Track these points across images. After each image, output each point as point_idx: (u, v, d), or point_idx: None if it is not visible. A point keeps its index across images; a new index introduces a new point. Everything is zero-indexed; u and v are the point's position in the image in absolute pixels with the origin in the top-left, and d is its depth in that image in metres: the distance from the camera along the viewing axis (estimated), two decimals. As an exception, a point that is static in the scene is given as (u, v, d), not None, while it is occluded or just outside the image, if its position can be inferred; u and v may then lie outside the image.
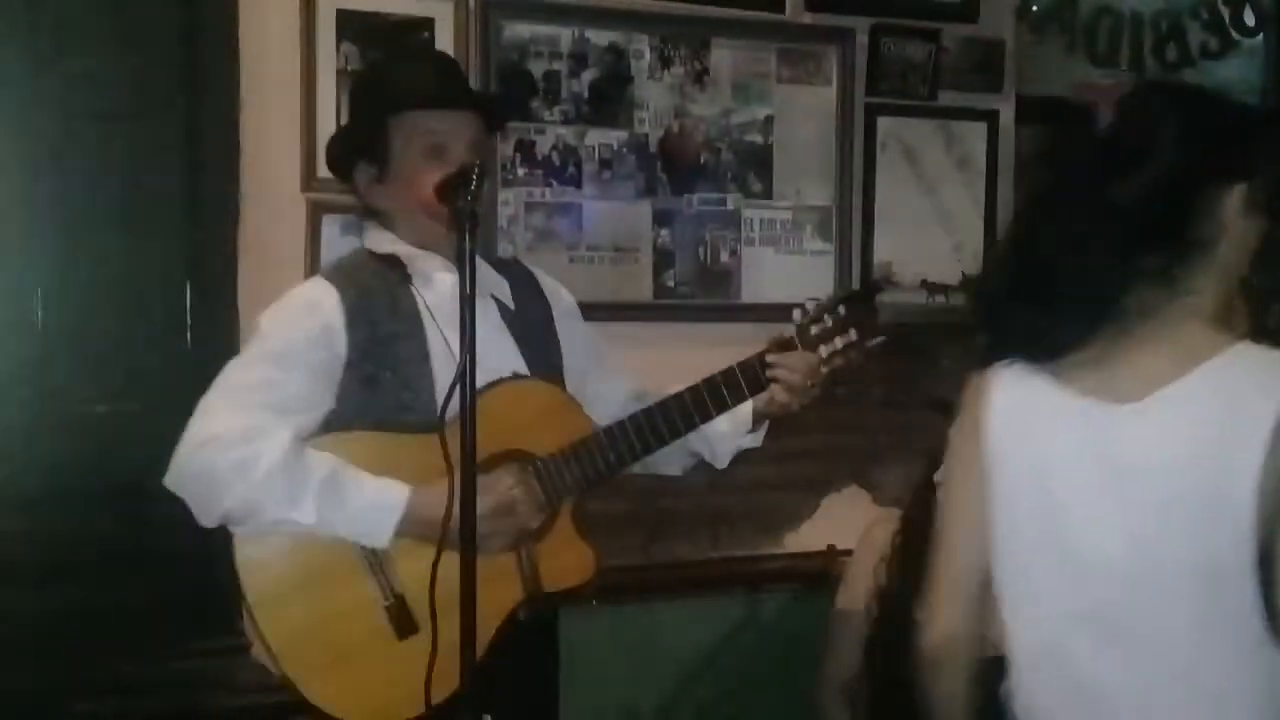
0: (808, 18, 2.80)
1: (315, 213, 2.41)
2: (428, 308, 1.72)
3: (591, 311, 2.60)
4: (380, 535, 1.60)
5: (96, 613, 2.28)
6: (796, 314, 1.83)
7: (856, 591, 2.15)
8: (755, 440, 1.93)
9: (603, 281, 2.66)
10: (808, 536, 2.85)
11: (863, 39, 2.85)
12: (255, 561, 1.60)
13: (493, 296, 1.82)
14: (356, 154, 1.77)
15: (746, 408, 1.85)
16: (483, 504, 1.56)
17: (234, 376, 1.65)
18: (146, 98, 2.39)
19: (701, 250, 2.75)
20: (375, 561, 1.63)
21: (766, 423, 1.90)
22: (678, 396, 1.77)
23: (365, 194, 1.78)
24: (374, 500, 1.59)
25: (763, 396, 1.81)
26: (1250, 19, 3.69)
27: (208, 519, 1.60)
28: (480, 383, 1.63)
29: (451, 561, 1.57)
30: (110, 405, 2.36)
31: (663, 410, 1.76)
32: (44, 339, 2.32)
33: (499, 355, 1.74)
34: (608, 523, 2.62)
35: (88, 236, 2.34)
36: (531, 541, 1.66)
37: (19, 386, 2.31)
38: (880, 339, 1.86)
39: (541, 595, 1.70)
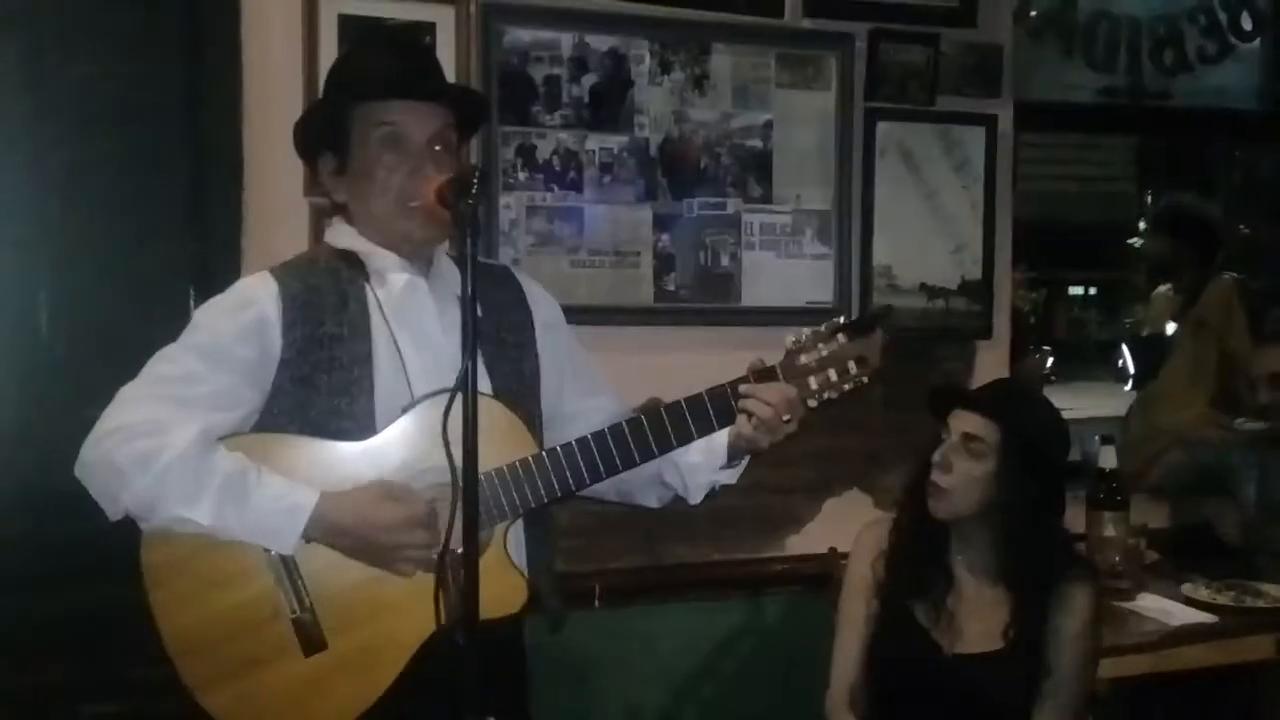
0: (807, 23, 2.82)
1: (318, 217, 2.41)
2: (380, 307, 1.65)
3: (592, 315, 2.64)
4: (285, 539, 1.52)
5: (102, 615, 2.28)
6: (789, 340, 1.70)
7: (855, 594, 2.15)
8: (731, 477, 1.80)
9: (603, 285, 2.67)
10: (809, 539, 2.85)
11: (862, 44, 2.86)
12: (161, 563, 1.54)
13: (457, 299, 1.71)
14: (319, 143, 1.71)
15: (720, 440, 1.72)
16: (392, 514, 1.53)
17: (157, 368, 1.59)
18: (150, 103, 2.40)
19: (702, 254, 2.76)
20: (288, 572, 1.55)
21: (746, 459, 1.78)
22: (636, 421, 1.64)
23: (327, 185, 1.72)
24: (279, 502, 1.51)
25: (734, 429, 1.69)
26: (1248, 23, 3.71)
27: (111, 511, 1.54)
28: (424, 389, 1.59)
29: (371, 578, 1.54)
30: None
31: (616, 435, 1.63)
32: (48, 343, 2.33)
33: (458, 363, 1.68)
34: (611, 525, 2.65)
35: (91, 240, 2.35)
36: (457, 566, 1.44)
37: (23, 389, 2.32)
38: (876, 371, 1.72)
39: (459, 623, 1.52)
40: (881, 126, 2.90)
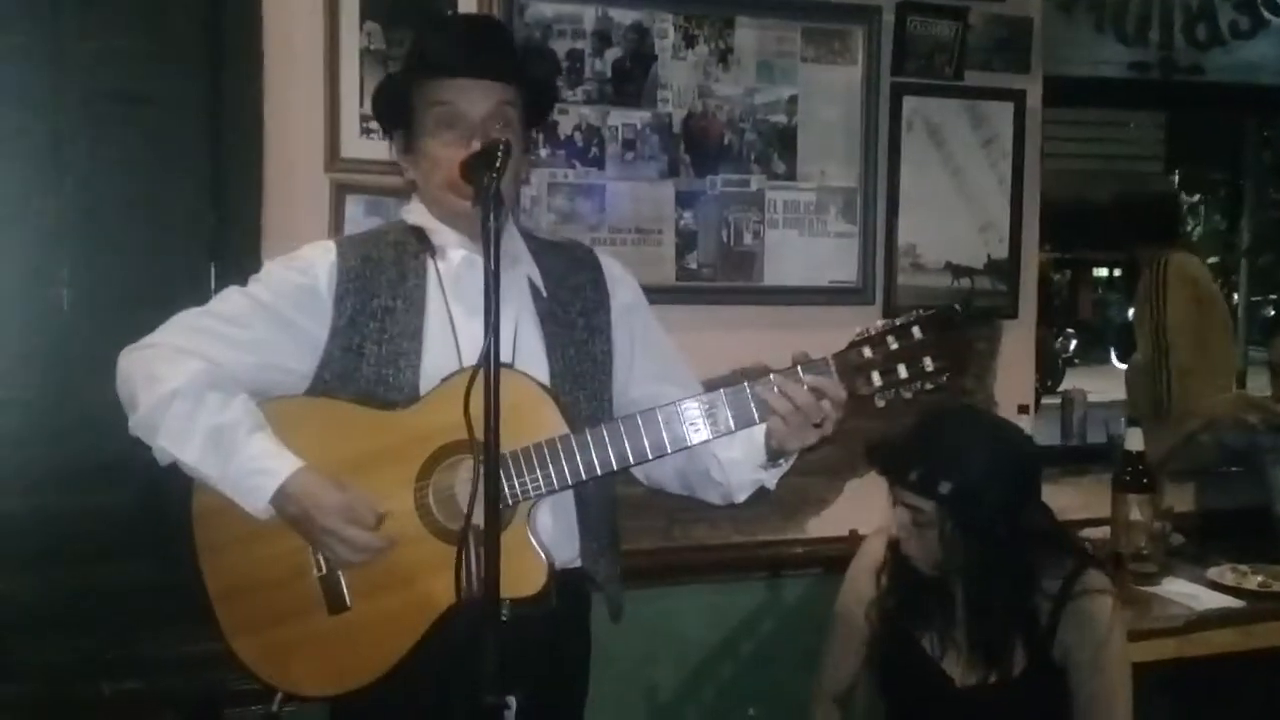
0: (833, -4, 2.78)
1: (339, 193, 2.40)
2: (440, 282, 1.68)
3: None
4: (255, 500, 1.54)
5: (121, 593, 2.29)
6: (856, 332, 1.57)
7: (854, 606, 2.09)
8: (774, 477, 1.70)
9: (625, 263, 2.61)
10: (829, 521, 2.84)
11: (889, 18, 2.81)
12: (209, 506, 1.59)
13: (527, 278, 1.75)
14: (390, 123, 1.75)
15: (759, 435, 1.62)
16: (334, 500, 1.53)
17: (213, 304, 1.67)
18: (170, 79, 2.39)
19: (724, 232, 2.73)
20: None
21: (790, 459, 1.66)
22: (669, 409, 1.57)
23: (399, 161, 1.75)
24: (256, 463, 1.53)
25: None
26: (1282, -3, 3.63)
27: (129, 422, 1.59)
28: (471, 363, 1.56)
29: (396, 545, 1.56)
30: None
31: (649, 421, 1.56)
32: (70, 319, 2.33)
33: (520, 340, 1.68)
34: (630, 506, 2.63)
35: (112, 218, 2.34)
36: (479, 540, 1.40)
37: (45, 367, 2.32)
38: (949, 374, 1.56)
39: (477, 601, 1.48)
40: (908, 102, 2.85)
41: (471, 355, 1.59)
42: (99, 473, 2.31)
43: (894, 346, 1.55)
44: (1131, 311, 4.28)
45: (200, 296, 2.36)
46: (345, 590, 1.59)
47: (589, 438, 1.57)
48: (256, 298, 1.65)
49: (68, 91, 2.31)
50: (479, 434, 1.34)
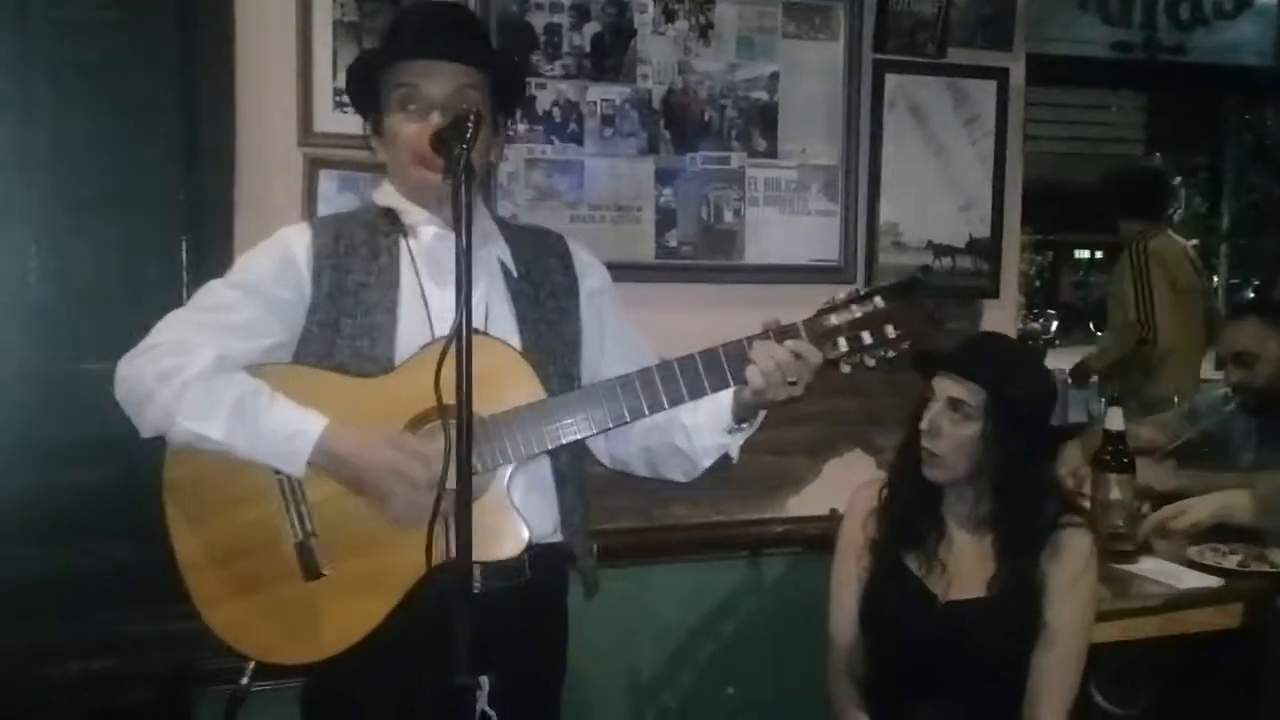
0: (815, -29, 2.75)
1: (312, 167, 2.37)
2: (412, 260, 1.71)
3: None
4: (293, 462, 1.58)
5: (91, 570, 2.27)
6: (824, 301, 1.65)
7: (849, 554, 2.14)
8: (736, 440, 1.75)
9: (603, 241, 2.61)
10: (809, 500, 2.83)
11: (871, -7, 2.79)
12: (180, 478, 1.62)
13: (498, 258, 1.79)
14: (361, 106, 1.79)
15: (724, 400, 1.68)
16: (386, 458, 1.55)
17: (198, 297, 1.70)
18: (141, 50, 2.35)
19: (705, 210, 2.71)
20: (294, 497, 1.61)
21: (757, 422, 1.74)
22: (646, 372, 1.61)
23: (371, 143, 1.79)
24: (288, 425, 1.58)
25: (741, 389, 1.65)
26: (1266, -23, 3.63)
27: (141, 427, 1.61)
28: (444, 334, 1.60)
29: (373, 510, 1.58)
30: (105, 360, 2.31)
31: (626, 385, 1.61)
32: (39, 292, 2.30)
33: (492, 317, 1.72)
34: (610, 485, 2.61)
35: (83, 190, 2.31)
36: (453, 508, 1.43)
37: (14, 343, 2.28)
38: (909, 341, 1.64)
39: (457, 564, 1.49)
40: (890, 79, 2.83)
41: (444, 328, 1.61)
42: (74, 452, 2.28)
43: (858, 314, 1.62)
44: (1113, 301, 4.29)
45: (172, 271, 2.36)
46: (319, 556, 1.60)
47: (567, 402, 1.62)
48: (240, 284, 1.68)
49: (36, 62, 2.27)
50: (452, 400, 1.37)
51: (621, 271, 2.60)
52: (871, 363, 1.65)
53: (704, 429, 1.74)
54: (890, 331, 1.62)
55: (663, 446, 1.80)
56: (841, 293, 1.65)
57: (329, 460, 1.57)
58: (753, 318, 1.69)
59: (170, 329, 1.65)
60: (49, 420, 2.27)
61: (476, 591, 1.52)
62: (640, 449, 1.85)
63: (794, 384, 1.61)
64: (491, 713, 1.67)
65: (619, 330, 1.89)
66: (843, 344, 1.63)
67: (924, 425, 2.02)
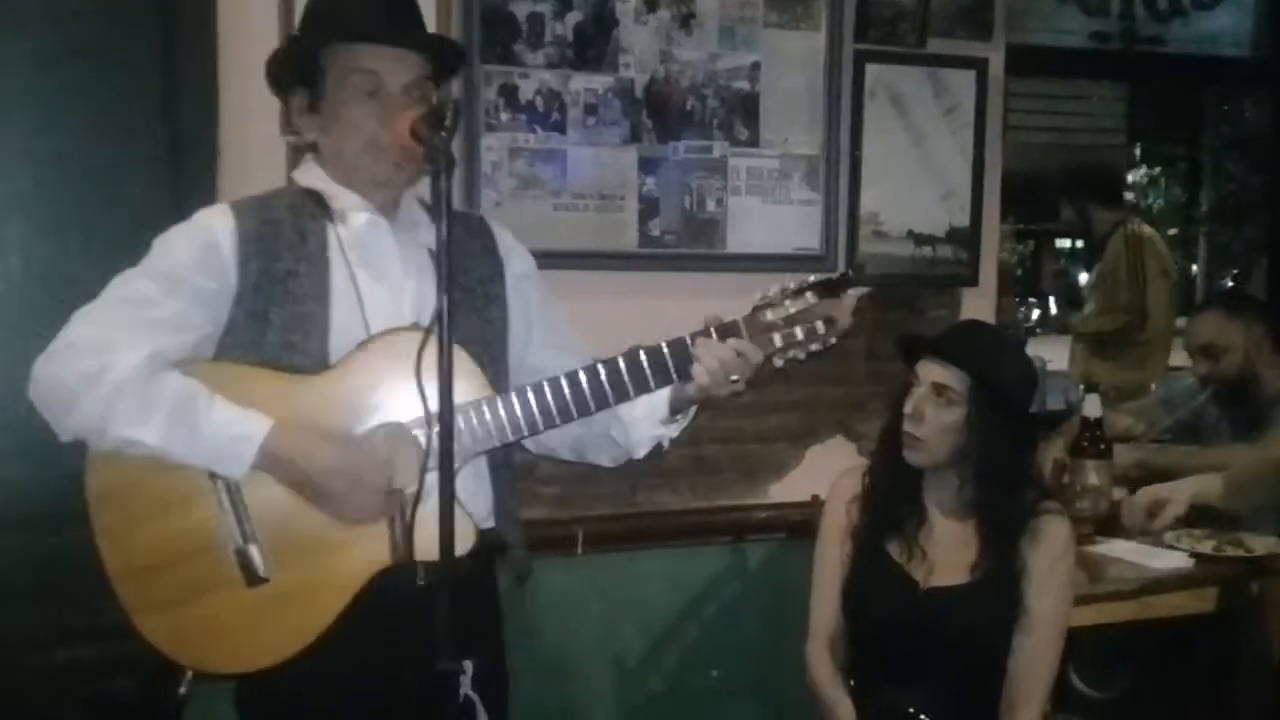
0: (796, -39, 2.76)
1: (295, 156, 2.35)
2: (340, 246, 1.64)
3: (575, 260, 2.61)
4: (235, 465, 1.51)
5: (76, 561, 2.26)
6: (757, 295, 1.68)
7: (831, 539, 2.16)
8: (672, 431, 1.79)
9: (586, 230, 2.63)
10: (792, 487, 2.85)
11: (852, -16, 2.80)
12: (106, 486, 1.54)
13: (421, 244, 1.72)
14: (294, 80, 1.68)
15: (662, 393, 1.70)
16: (335, 461, 1.51)
17: (113, 290, 1.58)
18: (125, 39, 2.34)
19: (687, 199, 2.72)
20: (234, 501, 1.54)
21: (690, 414, 1.77)
22: (593, 370, 1.62)
23: (297, 122, 1.70)
24: (230, 428, 1.50)
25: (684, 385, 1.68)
26: (1243, -32, 3.67)
27: (61, 432, 1.53)
28: (380, 328, 1.59)
29: (315, 512, 1.53)
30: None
31: (572, 382, 1.61)
32: (22, 286, 2.29)
33: (419, 304, 1.66)
34: (592, 472, 2.62)
35: (64, 179, 2.30)
36: (407, 505, 1.48)
37: (1, 332, 2.28)
38: (837, 334, 1.70)
39: (412, 564, 1.55)
40: (871, 69, 2.85)
41: (377, 321, 1.61)
42: (52, 440, 2.26)
43: (792, 310, 1.65)
44: (1084, 276, 4.37)
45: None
46: (262, 561, 1.54)
47: (515, 399, 1.60)
48: (160, 274, 1.58)
49: (17, 56, 2.26)
50: (428, 399, 1.40)
51: (604, 260, 2.66)
52: (802, 356, 1.69)
53: (640, 421, 1.76)
54: (820, 327, 1.66)
55: (595, 435, 1.80)
56: (774, 288, 1.67)
57: (273, 463, 1.51)
58: (735, 306, 1.71)
59: (86, 326, 1.53)
60: (33, 410, 2.26)
61: (420, 585, 1.52)
62: (571, 436, 1.81)
63: (736, 381, 1.65)
64: (475, 696, 1.68)
65: (545, 315, 1.87)
66: (778, 340, 1.66)
67: (907, 409, 2.04)
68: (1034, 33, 3.28)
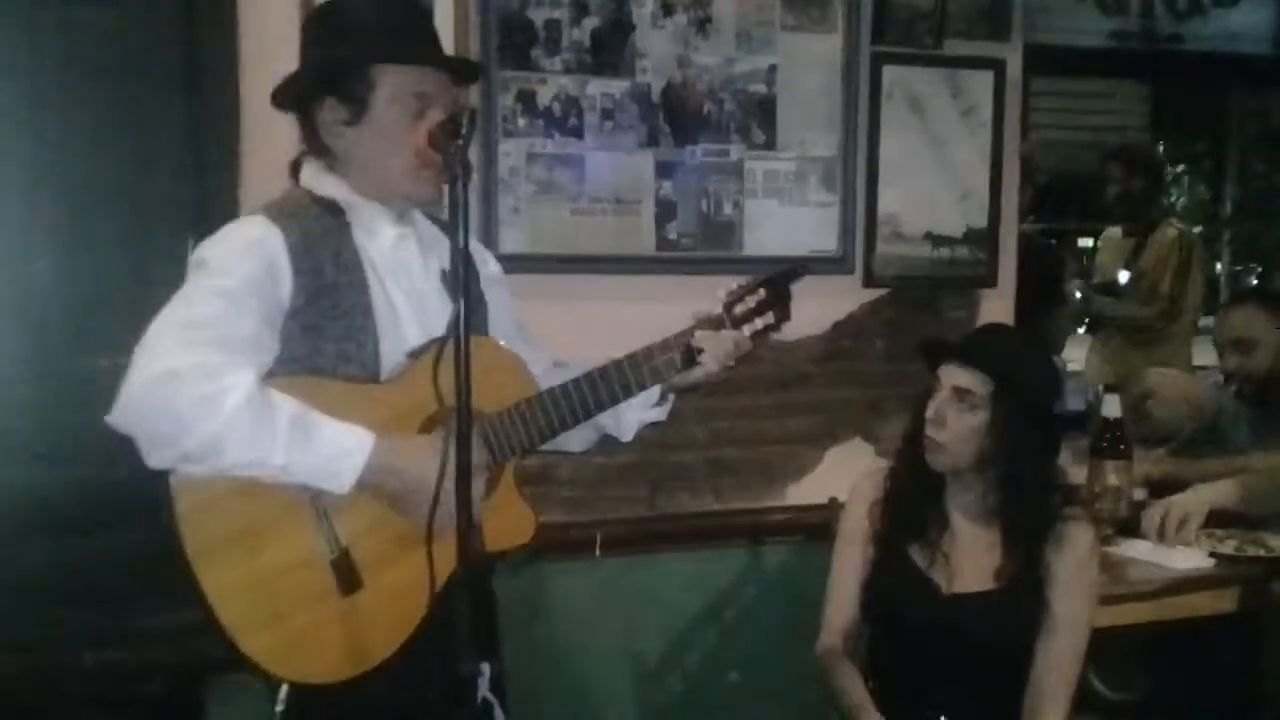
0: (812, -36, 2.76)
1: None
2: (369, 259, 1.67)
3: (592, 264, 2.63)
4: (344, 481, 1.53)
5: (104, 564, 2.30)
6: (721, 293, 1.84)
7: (851, 541, 2.16)
8: (660, 414, 1.93)
9: (604, 234, 2.65)
10: (810, 489, 2.85)
11: (868, -15, 2.80)
12: (198, 511, 1.52)
13: (430, 248, 1.78)
14: (327, 91, 1.68)
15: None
16: (434, 464, 1.52)
17: (181, 312, 1.54)
18: (147, 49, 2.37)
19: (704, 202, 2.73)
20: (321, 513, 1.57)
21: (672, 397, 1.93)
22: (618, 364, 1.76)
23: (326, 132, 1.69)
24: (341, 444, 1.53)
25: (687, 373, 1.83)
26: (1263, -35, 3.64)
27: (161, 459, 1.50)
28: (420, 340, 1.65)
29: (390, 519, 1.57)
30: (114, 358, 2.35)
31: (604, 376, 1.75)
32: (47, 293, 2.33)
33: (440, 314, 1.69)
34: (613, 475, 2.66)
35: (90, 191, 2.33)
36: (476, 505, 1.52)
37: (22, 340, 2.31)
38: (786, 322, 1.89)
39: (483, 554, 1.62)
40: (888, 71, 2.85)
41: (411, 326, 1.67)
42: (84, 446, 2.31)
43: (752, 304, 1.84)
44: (1125, 275, 4.30)
45: (178, 269, 2.37)
46: (355, 570, 1.57)
47: (558, 395, 1.71)
48: (226, 293, 1.55)
49: (44, 62, 2.30)
50: (452, 401, 1.43)
51: (621, 264, 2.67)
52: (763, 340, 1.89)
53: (633, 406, 1.87)
54: (770, 317, 1.85)
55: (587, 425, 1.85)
56: (734, 284, 1.85)
57: (375, 475, 1.54)
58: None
59: (174, 351, 1.50)
60: (59, 415, 2.30)
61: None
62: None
63: (731, 366, 1.83)
64: (493, 699, 1.71)
65: (517, 318, 1.94)
66: (746, 329, 1.84)
67: (929, 414, 2.03)
68: (1052, 32, 3.26)
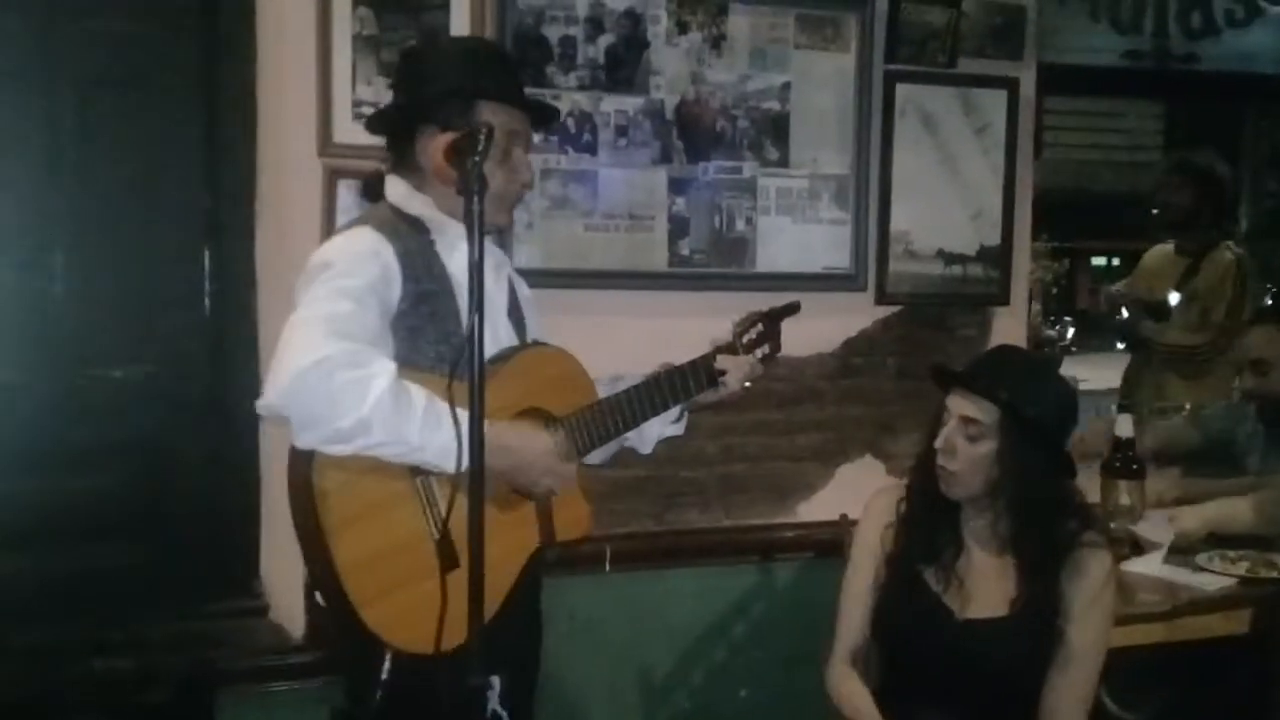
0: (826, -18, 2.78)
1: (331, 177, 2.41)
2: (452, 274, 1.80)
3: (606, 280, 2.64)
4: (465, 460, 1.61)
5: (113, 573, 2.32)
6: (734, 321, 2.05)
7: (863, 559, 2.15)
8: (679, 429, 2.11)
9: (617, 250, 2.66)
10: (820, 506, 2.85)
11: (882, 4, 2.82)
12: (332, 487, 1.66)
13: (508, 277, 1.96)
14: (429, 120, 1.81)
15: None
16: (546, 443, 1.77)
17: (318, 309, 1.67)
18: (165, 63, 2.40)
19: (717, 219, 2.74)
20: (428, 495, 1.70)
21: (686, 415, 2.11)
22: (658, 379, 1.96)
23: (421, 153, 1.82)
24: (461, 427, 1.61)
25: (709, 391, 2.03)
26: (1277, -14, 3.64)
27: (312, 439, 1.62)
28: (492, 349, 1.78)
29: (486, 502, 1.62)
30: (127, 368, 2.38)
31: (647, 389, 1.94)
32: (63, 302, 2.34)
33: (506, 328, 1.90)
34: (623, 490, 2.66)
35: (107, 202, 2.35)
36: (556, 493, 1.82)
37: (37, 349, 2.33)
38: (779, 353, 2.10)
39: (554, 543, 1.85)
40: (901, 89, 2.86)
41: (489, 335, 1.75)
42: (92, 455, 2.33)
43: (754, 335, 2.06)
44: (1176, 297, 4.06)
45: (193, 278, 2.41)
46: (455, 549, 1.68)
47: (618, 402, 1.90)
48: (351, 292, 1.69)
49: (62, 74, 2.32)
50: (533, 402, 1.79)
51: (635, 280, 2.68)
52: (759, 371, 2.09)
53: (654, 421, 2.03)
54: (768, 348, 2.07)
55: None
56: (737, 316, 2.06)
57: (491, 454, 1.61)
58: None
59: (323, 340, 1.62)
60: (72, 425, 2.32)
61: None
62: None
63: (749, 386, 2.03)
64: (503, 712, 1.73)
65: (540, 334, 2.05)
66: (757, 354, 2.05)
67: (938, 443, 2.01)
68: (1066, 51, 3.26)
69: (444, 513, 1.67)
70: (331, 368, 1.59)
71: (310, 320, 1.65)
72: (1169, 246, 4.17)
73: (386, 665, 1.72)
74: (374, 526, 1.68)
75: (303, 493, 1.66)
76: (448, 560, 1.68)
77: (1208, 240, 3.99)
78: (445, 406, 1.62)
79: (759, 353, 2.06)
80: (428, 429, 1.63)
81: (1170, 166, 4.12)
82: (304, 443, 1.63)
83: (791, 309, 2.11)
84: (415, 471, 1.68)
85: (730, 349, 2.03)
